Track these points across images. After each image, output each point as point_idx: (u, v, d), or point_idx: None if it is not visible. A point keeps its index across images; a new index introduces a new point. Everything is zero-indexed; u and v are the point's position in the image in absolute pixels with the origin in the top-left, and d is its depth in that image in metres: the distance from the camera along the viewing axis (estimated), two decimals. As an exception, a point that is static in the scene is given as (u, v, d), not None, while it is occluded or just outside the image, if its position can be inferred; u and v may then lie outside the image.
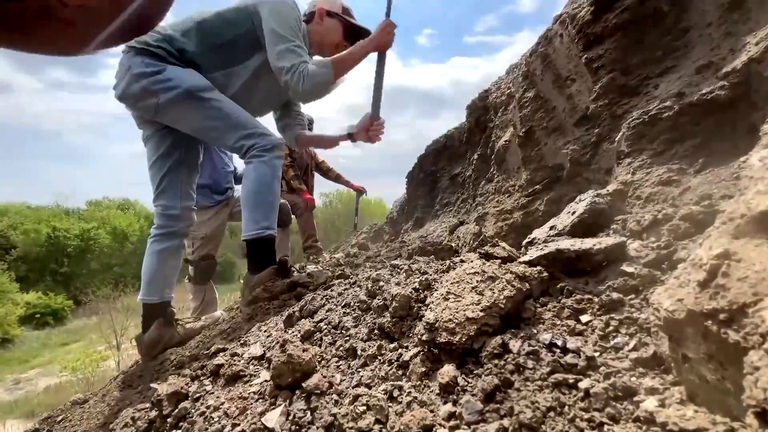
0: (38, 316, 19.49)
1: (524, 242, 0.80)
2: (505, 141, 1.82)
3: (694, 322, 0.33)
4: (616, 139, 1.19)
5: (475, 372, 0.52)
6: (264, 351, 0.76)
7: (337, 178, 4.13)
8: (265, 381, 0.64)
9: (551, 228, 0.76)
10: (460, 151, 2.87)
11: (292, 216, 3.44)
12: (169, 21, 1.63)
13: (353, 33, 1.86)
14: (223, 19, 1.57)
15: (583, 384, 0.41)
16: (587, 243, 0.67)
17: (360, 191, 4.36)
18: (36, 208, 27.42)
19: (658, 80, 1.15)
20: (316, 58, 1.68)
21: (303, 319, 0.83)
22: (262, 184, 1.52)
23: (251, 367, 0.73)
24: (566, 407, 0.40)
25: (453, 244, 1.42)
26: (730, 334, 0.29)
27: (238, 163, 2.89)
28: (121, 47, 1.52)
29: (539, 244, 0.75)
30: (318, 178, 4.05)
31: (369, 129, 1.78)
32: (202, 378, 0.79)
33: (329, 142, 1.98)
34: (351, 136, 1.84)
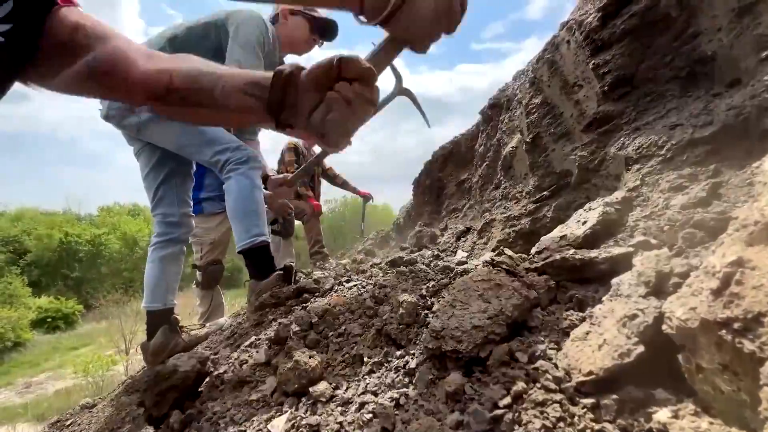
0: (49, 320, 19.75)
1: (533, 250, 0.80)
2: (512, 147, 1.81)
3: (708, 332, 0.32)
4: (625, 144, 1.18)
5: (482, 380, 0.51)
6: (269, 358, 0.76)
7: (343, 185, 4.14)
8: (272, 387, 0.64)
9: (561, 237, 0.75)
10: (467, 157, 2.87)
11: (299, 222, 3.45)
12: (148, 37, 1.68)
13: (319, 26, 1.92)
14: (192, 33, 1.62)
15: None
16: (593, 252, 0.66)
17: (366, 198, 4.37)
18: (49, 214, 27.95)
19: (666, 86, 1.14)
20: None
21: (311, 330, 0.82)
22: (243, 195, 1.55)
23: (257, 373, 0.72)
24: (576, 417, 0.39)
25: (461, 251, 1.42)
26: (745, 343, 0.29)
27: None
28: None
29: (547, 252, 0.74)
30: (325, 185, 4.07)
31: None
32: (209, 383, 0.79)
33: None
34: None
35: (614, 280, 0.50)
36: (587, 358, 0.41)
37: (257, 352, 0.81)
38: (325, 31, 1.95)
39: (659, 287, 0.42)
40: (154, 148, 1.63)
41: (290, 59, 2.01)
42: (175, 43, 1.58)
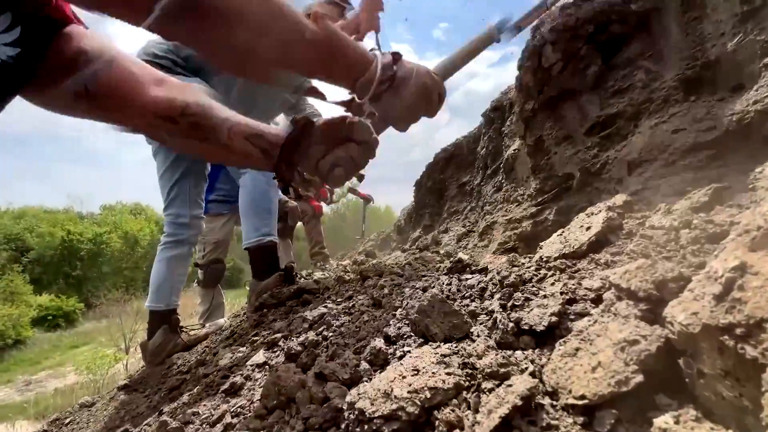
0: (50, 318, 19.80)
1: (534, 259, 0.79)
2: (514, 150, 1.81)
3: (710, 337, 0.32)
4: (627, 148, 1.18)
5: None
6: (266, 360, 0.76)
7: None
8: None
9: (564, 245, 0.75)
10: (468, 159, 2.87)
11: (300, 223, 3.46)
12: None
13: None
14: None
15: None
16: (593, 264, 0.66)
17: (367, 199, 4.37)
18: (51, 212, 28.04)
19: (670, 91, 1.13)
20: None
21: (310, 330, 0.82)
22: (258, 192, 1.55)
23: (256, 373, 0.72)
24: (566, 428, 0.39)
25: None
26: (748, 349, 0.28)
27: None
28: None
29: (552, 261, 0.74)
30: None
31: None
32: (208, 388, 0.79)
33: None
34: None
35: (607, 295, 0.50)
36: (578, 379, 0.40)
37: (254, 353, 0.81)
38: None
39: (659, 297, 0.42)
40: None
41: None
42: None
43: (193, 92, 0.85)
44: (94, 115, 0.80)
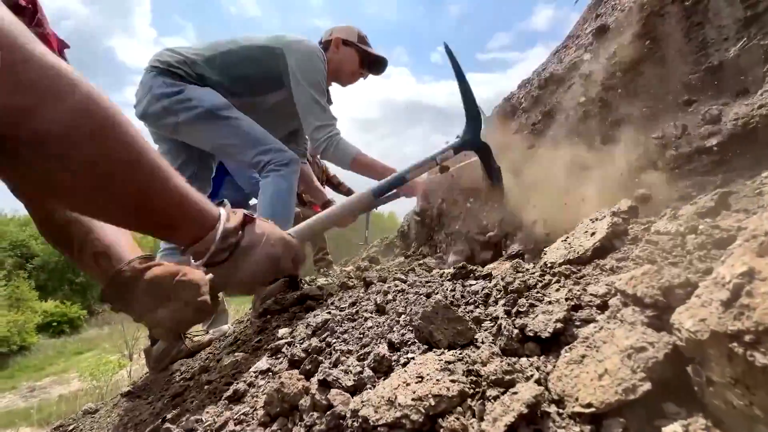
0: (55, 325, 19.88)
1: (538, 264, 0.79)
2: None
3: (718, 344, 0.31)
4: (632, 153, 1.17)
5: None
6: (270, 366, 0.76)
7: (348, 193, 4.16)
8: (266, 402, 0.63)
9: (569, 251, 0.74)
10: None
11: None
12: (192, 44, 1.72)
13: (369, 61, 1.92)
14: (248, 54, 1.66)
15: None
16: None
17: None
18: (58, 219, 28.25)
19: (673, 95, 1.13)
20: (346, 141, 1.73)
21: (314, 337, 0.82)
22: (278, 198, 1.55)
23: (259, 380, 0.72)
24: None
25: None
26: (757, 356, 0.28)
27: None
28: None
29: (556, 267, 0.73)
30: (329, 192, 4.09)
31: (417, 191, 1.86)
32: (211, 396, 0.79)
33: (382, 172, 1.77)
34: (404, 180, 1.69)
35: (613, 301, 0.49)
36: (585, 387, 0.39)
37: (258, 359, 0.80)
38: (374, 66, 1.94)
39: (666, 304, 0.41)
40: (179, 151, 1.66)
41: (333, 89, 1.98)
42: (228, 58, 1.62)
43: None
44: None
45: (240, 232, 0.73)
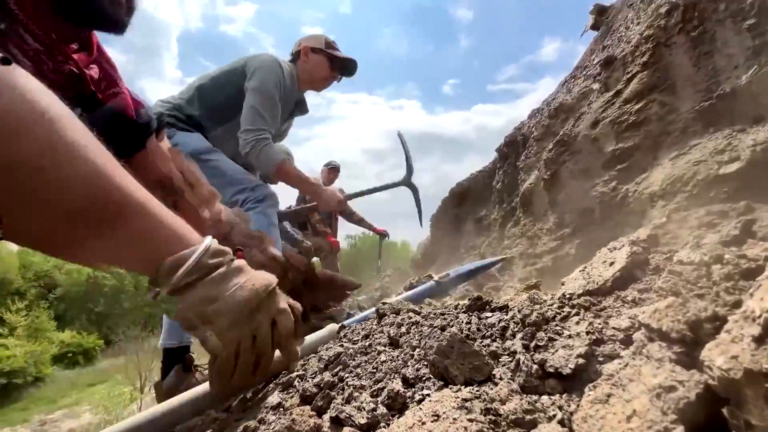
0: (70, 356, 19.97)
1: (556, 296, 0.76)
2: (530, 184, 1.81)
3: (754, 383, 0.29)
4: (648, 181, 1.16)
5: None
6: (281, 401, 0.74)
7: (360, 222, 4.19)
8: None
9: (587, 281, 0.72)
10: (484, 194, 2.87)
11: (316, 258, 3.47)
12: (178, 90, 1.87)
13: (339, 64, 2.03)
14: (216, 82, 1.79)
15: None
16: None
17: (383, 235, 4.37)
18: (80, 249, 29.09)
19: (687, 123, 1.13)
20: (278, 145, 1.89)
21: (326, 371, 0.80)
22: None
23: (270, 415, 0.70)
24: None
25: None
26: (799, 399, 0.26)
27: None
28: None
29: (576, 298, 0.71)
30: (341, 221, 4.13)
31: (329, 203, 1.96)
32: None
33: (306, 188, 2.22)
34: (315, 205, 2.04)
35: (637, 335, 0.47)
36: (612, 429, 0.37)
37: (269, 394, 0.79)
38: (345, 68, 2.05)
39: (694, 339, 0.39)
40: None
41: (309, 96, 2.12)
42: (201, 91, 1.74)
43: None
44: None
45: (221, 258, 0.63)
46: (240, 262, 0.65)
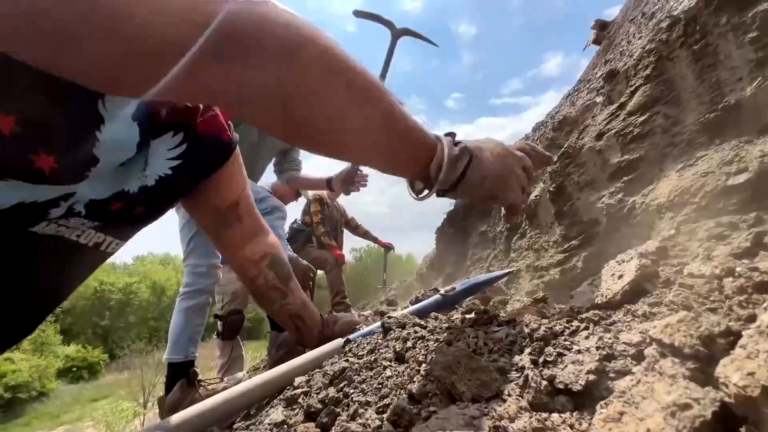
0: (74, 370, 19.90)
1: (565, 310, 0.75)
2: (536, 196, 1.80)
3: (773, 401, 0.29)
4: (655, 193, 1.15)
5: None
6: (285, 418, 0.72)
7: (365, 235, 4.19)
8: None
9: (596, 295, 0.71)
10: (489, 206, 2.86)
11: (321, 271, 3.46)
12: None
13: None
14: None
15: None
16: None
17: (388, 248, 4.36)
18: (88, 263, 29.36)
19: (693, 134, 1.13)
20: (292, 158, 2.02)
21: (331, 387, 0.79)
22: None
23: (274, 433, 0.69)
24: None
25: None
26: (821, 418, 0.25)
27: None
28: None
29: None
30: (347, 234, 4.13)
31: (346, 180, 1.94)
32: (223, 444, 0.76)
33: (315, 184, 2.26)
34: (329, 183, 2.01)
35: (649, 350, 0.46)
36: None
37: (272, 409, 0.77)
38: None
39: (708, 355, 0.38)
40: None
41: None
42: None
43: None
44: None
45: (466, 157, 0.68)
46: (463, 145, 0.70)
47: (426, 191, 0.69)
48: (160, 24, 0.38)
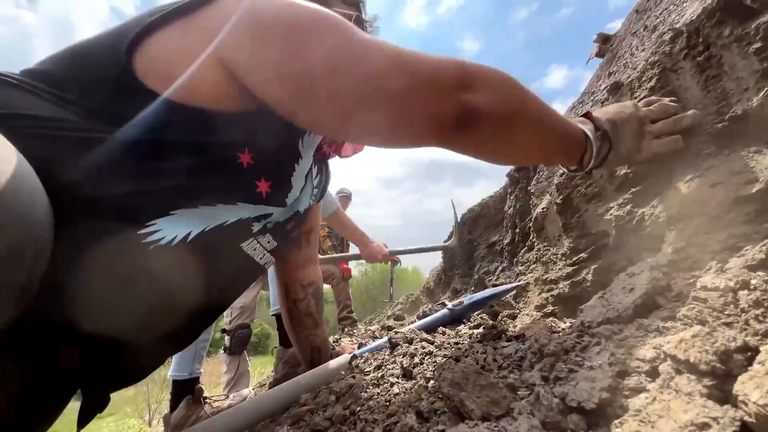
0: (81, 386, 19.78)
1: (575, 324, 0.74)
2: (543, 208, 1.79)
3: (796, 421, 0.27)
4: (664, 204, 1.13)
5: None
6: (294, 435, 0.71)
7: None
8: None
9: (607, 309, 0.70)
10: (496, 219, 2.85)
11: (327, 285, 3.46)
12: None
13: None
14: None
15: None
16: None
17: (394, 262, 4.33)
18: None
19: (701, 145, 1.12)
20: (341, 189, 2.29)
21: (338, 404, 0.78)
22: None
23: (280, 453, 0.68)
24: None
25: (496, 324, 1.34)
26: None
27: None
28: None
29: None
30: (352, 248, 4.12)
31: (381, 260, 2.27)
32: (228, 463, 0.75)
33: (352, 235, 2.55)
34: (364, 248, 2.38)
35: (663, 367, 0.45)
36: None
37: (281, 428, 0.76)
38: None
39: (725, 371, 0.37)
40: None
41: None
42: None
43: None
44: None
45: (606, 145, 0.84)
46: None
47: (576, 171, 0.89)
48: (423, 98, 0.58)
